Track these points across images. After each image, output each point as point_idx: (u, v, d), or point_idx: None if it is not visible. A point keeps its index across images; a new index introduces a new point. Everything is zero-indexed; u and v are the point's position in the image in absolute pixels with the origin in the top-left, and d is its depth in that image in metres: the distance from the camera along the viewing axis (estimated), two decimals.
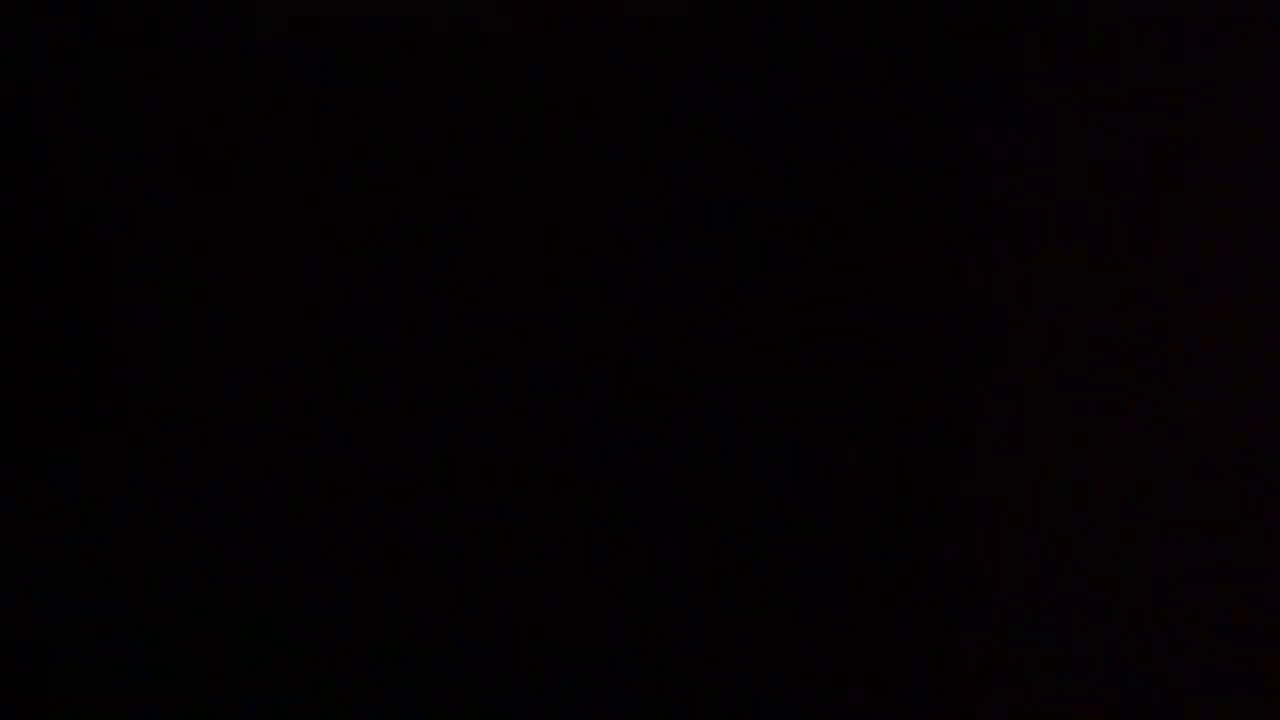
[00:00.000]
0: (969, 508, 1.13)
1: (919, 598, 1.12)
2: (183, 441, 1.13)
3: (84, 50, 1.14)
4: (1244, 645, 1.12)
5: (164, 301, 1.14)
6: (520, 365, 1.14)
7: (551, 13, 1.15)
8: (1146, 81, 1.15)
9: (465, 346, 1.14)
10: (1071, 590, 1.13)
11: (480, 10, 1.15)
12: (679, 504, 1.13)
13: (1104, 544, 1.13)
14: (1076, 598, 1.13)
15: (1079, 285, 1.14)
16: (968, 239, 1.15)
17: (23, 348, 1.13)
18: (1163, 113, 1.15)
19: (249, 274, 1.14)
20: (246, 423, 1.13)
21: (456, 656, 1.12)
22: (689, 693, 1.12)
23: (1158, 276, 1.14)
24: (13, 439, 1.12)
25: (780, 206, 1.14)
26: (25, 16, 1.14)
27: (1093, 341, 1.14)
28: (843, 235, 1.14)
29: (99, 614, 1.13)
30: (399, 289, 1.14)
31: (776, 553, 1.13)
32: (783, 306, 1.14)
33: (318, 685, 1.12)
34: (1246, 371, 1.13)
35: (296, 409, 1.13)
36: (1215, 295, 1.14)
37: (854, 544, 1.13)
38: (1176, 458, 1.13)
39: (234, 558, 1.13)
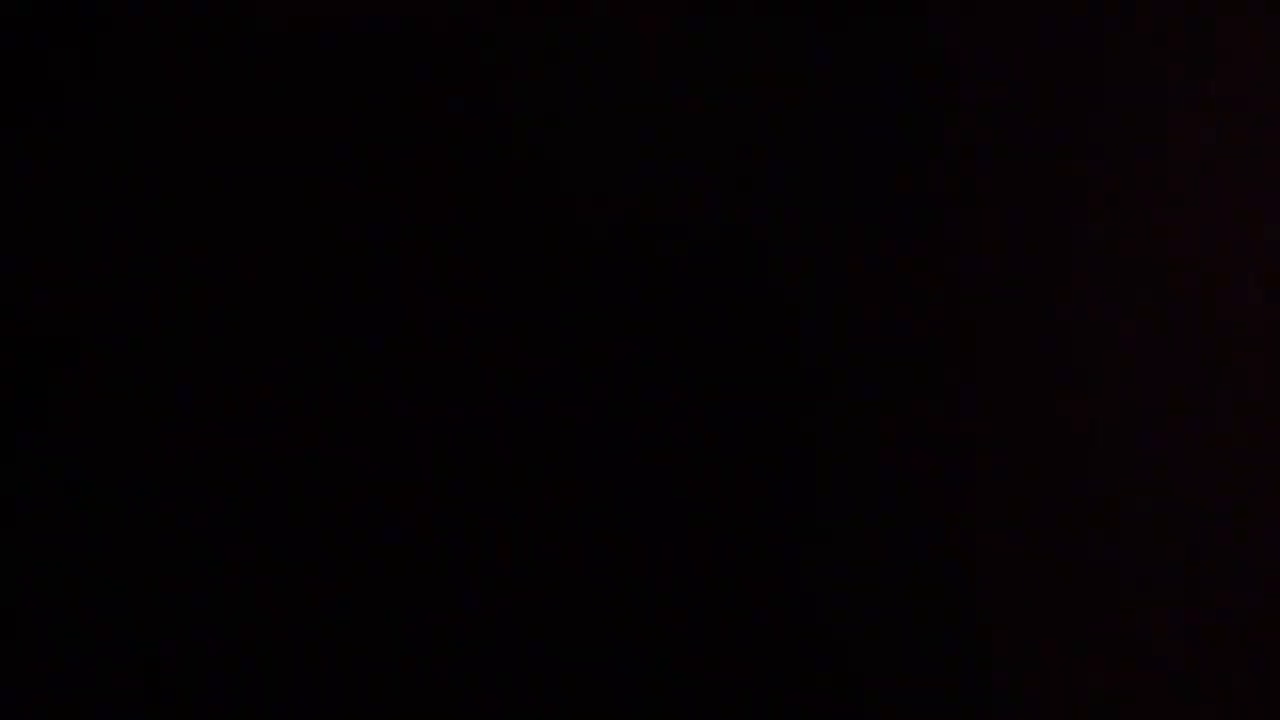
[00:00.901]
0: (966, 507, 1.13)
1: (917, 596, 1.12)
2: (180, 441, 1.13)
3: (83, 49, 1.14)
4: (1244, 646, 1.12)
5: (163, 301, 1.14)
6: (519, 365, 1.14)
7: (551, 12, 1.16)
8: (1146, 80, 1.16)
9: (463, 346, 1.14)
10: (1071, 591, 1.13)
11: (480, 10, 1.15)
12: (678, 504, 1.13)
13: (1103, 543, 1.13)
14: (1076, 598, 1.12)
15: (1075, 284, 1.14)
16: (965, 237, 1.15)
17: (21, 346, 1.13)
18: (1162, 111, 1.16)
19: (248, 274, 1.14)
20: (243, 422, 1.13)
21: (453, 656, 1.12)
22: (689, 692, 1.12)
23: (1156, 274, 1.15)
24: (10, 436, 1.12)
25: (778, 206, 1.15)
26: (24, 15, 1.14)
27: (1091, 340, 1.14)
28: (841, 234, 1.14)
29: (94, 612, 1.13)
30: (396, 289, 1.14)
31: (775, 552, 1.13)
32: (781, 305, 1.14)
33: (314, 685, 1.12)
34: (1245, 371, 1.13)
35: (295, 409, 1.13)
36: (1214, 294, 1.14)
37: (852, 543, 1.13)
38: (1175, 457, 1.13)
39: (231, 558, 1.13)
